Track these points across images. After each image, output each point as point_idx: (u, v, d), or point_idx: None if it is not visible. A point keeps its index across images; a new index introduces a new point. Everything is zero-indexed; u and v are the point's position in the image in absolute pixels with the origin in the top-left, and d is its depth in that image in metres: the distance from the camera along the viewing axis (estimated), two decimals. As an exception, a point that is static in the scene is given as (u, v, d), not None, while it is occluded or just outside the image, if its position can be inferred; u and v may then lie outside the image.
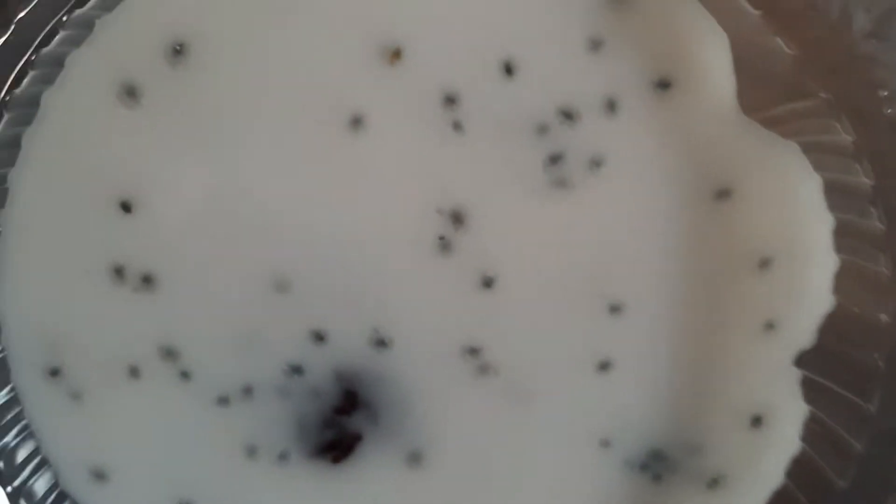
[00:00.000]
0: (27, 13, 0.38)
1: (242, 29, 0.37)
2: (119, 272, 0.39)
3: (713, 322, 0.38)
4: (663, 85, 0.37)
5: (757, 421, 0.39)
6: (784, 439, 0.39)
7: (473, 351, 0.39)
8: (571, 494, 0.41)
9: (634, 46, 0.36)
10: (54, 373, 0.40)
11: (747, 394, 0.39)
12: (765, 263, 0.37)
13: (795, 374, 0.39)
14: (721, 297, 0.38)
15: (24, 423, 0.42)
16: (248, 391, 0.40)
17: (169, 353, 0.40)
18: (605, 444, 0.40)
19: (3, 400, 0.42)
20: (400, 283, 0.39)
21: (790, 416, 0.39)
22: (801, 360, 0.38)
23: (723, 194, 0.37)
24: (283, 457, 0.41)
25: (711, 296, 0.38)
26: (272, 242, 0.39)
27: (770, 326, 0.38)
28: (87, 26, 0.37)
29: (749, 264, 0.38)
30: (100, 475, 0.41)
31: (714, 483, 0.40)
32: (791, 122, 0.38)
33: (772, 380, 0.39)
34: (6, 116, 0.39)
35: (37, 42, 0.38)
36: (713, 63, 0.36)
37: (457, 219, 0.38)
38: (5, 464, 0.43)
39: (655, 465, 0.40)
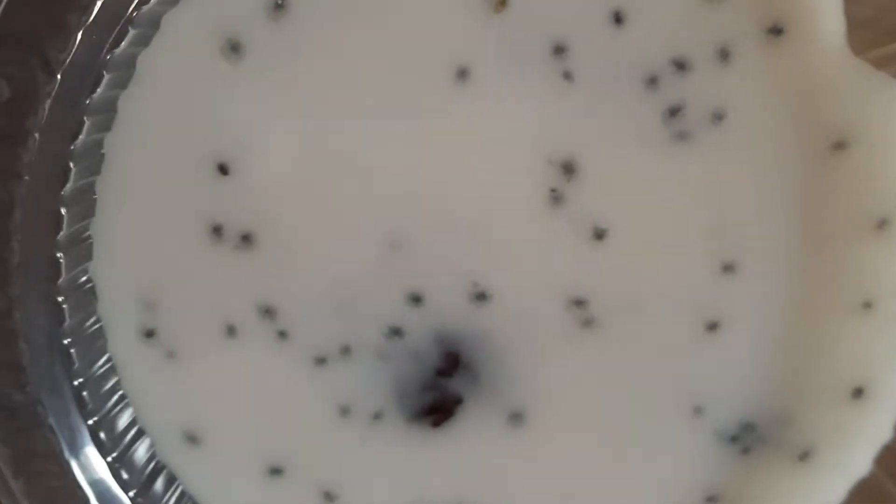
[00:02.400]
0: (127, -26, 0.37)
1: (344, -20, 0.36)
2: (217, 231, 0.39)
3: (825, 288, 0.38)
4: (776, 31, 0.36)
5: (858, 392, 0.38)
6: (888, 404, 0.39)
7: (580, 303, 0.39)
8: (662, 462, 0.40)
9: (747, -9, 0.36)
10: (149, 334, 0.40)
11: (851, 365, 0.38)
12: (882, 224, 0.37)
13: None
14: (836, 262, 0.38)
15: (121, 392, 0.42)
16: (346, 351, 0.40)
17: (267, 312, 0.40)
18: (699, 411, 0.39)
19: (101, 370, 0.42)
20: (506, 236, 0.38)
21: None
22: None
23: (839, 146, 0.37)
24: (377, 417, 0.41)
25: (826, 260, 0.38)
26: (374, 201, 0.38)
27: (879, 296, 0.37)
28: (185, -14, 0.37)
29: (866, 225, 0.37)
30: (193, 439, 0.41)
31: (805, 455, 0.39)
32: (903, 60, 0.37)
33: (879, 348, 0.38)
34: (106, 77, 0.38)
35: (136, 1, 0.38)
36: (823, 5, 0.36)
37: (568, 170, 0.38)
38: (106, 434, 0.43)
39: (746, 436, 0.40)
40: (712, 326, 0.39)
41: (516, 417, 0.40)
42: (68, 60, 0.38)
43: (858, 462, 0.39)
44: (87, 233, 0.39)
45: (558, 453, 0.41)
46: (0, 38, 0.36)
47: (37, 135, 0.38)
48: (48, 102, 0.38)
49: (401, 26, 0.37)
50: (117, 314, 0.40)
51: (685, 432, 0.40)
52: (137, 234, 0.39)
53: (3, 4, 0.36)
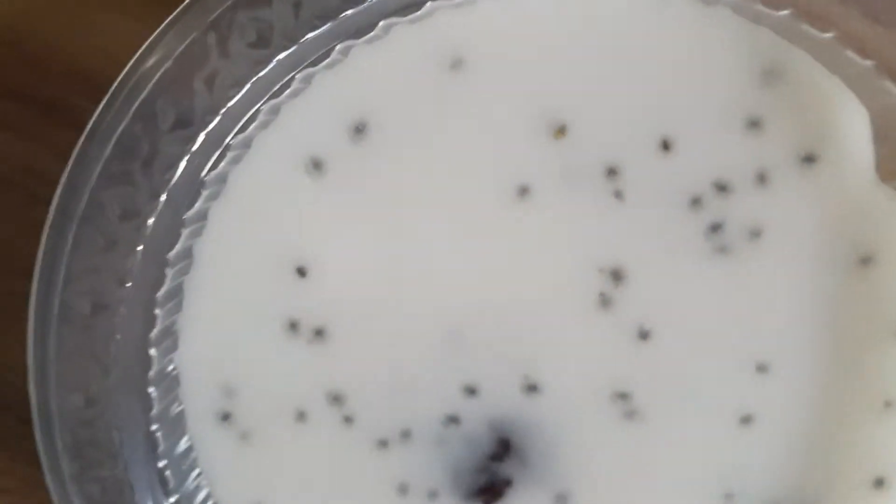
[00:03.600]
0: (234, 104, 0.41)
1: (419, 109, 0.40)
2: (294, 326, 0.42)
3: (850, 388, 0.41)
4: (810, 159, 0.39)
5: (879, 482, 0.41)
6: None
7: (624, 396, 0.42)
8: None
9: (785, 124, 0.39)
10: (225, 417, 0.43)
11: (873, 457, 0.41)
12: None
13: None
14: (860, 365, 0.40)
15: (199, 470, 0.44)
16: (406, 435, 0.43)
17: (335, 399, 0.42)
18: (729, 497, 0.42)
19: (182, 449, 0.44)
20: (557, 333, 0.41)
21: None
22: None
23: (866, 261, 0.40)
24: (433, 495, 0.43)
25: (851, 363, 0.40)
26: (436, 301, 0.41)
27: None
28: (277, 112, 0.40)
29: (888, 332, 0.40)
30: (264, 514, 0.43)
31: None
32: (932, 188, 0.40)
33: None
34: (203, 194, 0.41)
35: (237, 129, 0.41)
36: (854, 138, 0.39)
37: (616, 277, 0.41)
38: (185, 508, 0.45)
39: (774, 521, 0.42)
40: (746, 420, 0.41)
41: (561, 499, 0.43)
42: (173, 182, 0.41)
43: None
44: (176, 326, 0.42)
45: (601, 535, 0.43)
46: (112, 172, 0.40)
47: (140, 246, 0.41)
48: (151, 220, 0.41)
49: (470, 149, 0.40)
50: (197, 399, 0.43)
51: (717, 518, 0.42)
52: (220, 327, 0.42)
53: (111, 143, 0.39)
